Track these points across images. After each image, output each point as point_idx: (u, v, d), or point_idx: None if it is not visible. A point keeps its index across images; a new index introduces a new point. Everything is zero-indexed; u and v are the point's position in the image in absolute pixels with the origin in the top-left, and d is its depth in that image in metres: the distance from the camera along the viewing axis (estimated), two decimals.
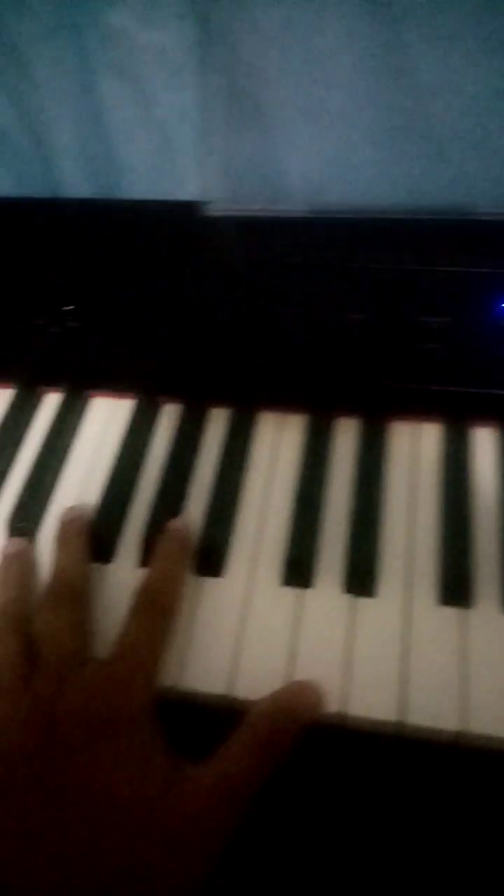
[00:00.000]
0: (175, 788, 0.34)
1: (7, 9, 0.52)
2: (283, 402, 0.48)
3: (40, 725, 0.35)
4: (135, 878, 0.32)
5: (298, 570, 0.40)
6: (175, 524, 0.43)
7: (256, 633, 0.39)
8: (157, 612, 0.39)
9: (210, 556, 0.42)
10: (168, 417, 0.49)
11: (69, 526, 0.44)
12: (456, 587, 0.39)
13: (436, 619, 0.39)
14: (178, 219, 0.55)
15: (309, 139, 0.53)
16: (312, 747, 0.36)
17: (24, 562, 0.43)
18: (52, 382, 0.51)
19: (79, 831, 0.33)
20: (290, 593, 0.40)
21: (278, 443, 0.47)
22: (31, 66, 0.55)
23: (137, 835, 0.33)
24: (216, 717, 0.38)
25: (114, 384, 0.50)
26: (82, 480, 0.47)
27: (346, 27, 0.48)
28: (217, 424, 0.48)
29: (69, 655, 0.37)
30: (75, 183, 0.61)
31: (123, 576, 0.42)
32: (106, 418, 0.50)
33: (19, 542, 0.44)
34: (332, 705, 0.36)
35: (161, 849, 0.33)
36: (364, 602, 0.40)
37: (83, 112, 0.56)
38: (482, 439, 0.46)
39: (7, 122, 0.59)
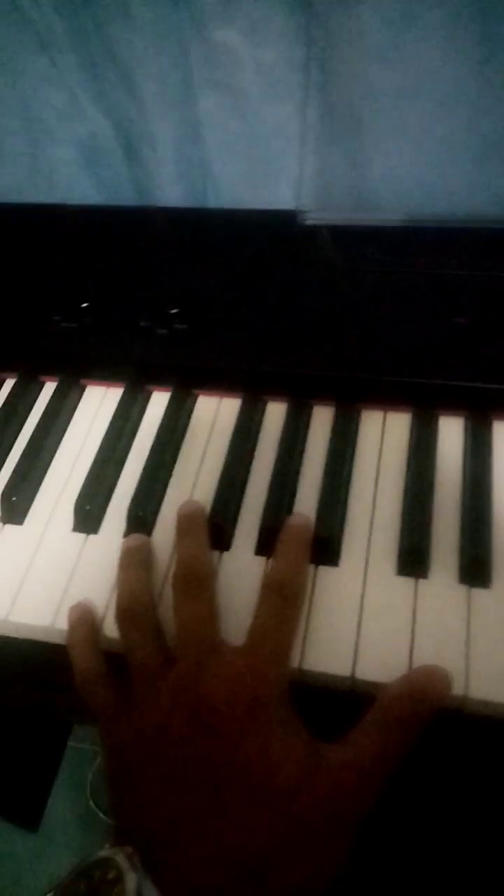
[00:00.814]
0: (315, 769, 0.35)
1: (116, 23, 0.55)
2: (386, 399, 0.50)
3: (185, 713, 0.37)
4: (278, 858, 0.34)
5: (414, 560, 0.42)
6: (294, 519, 0.44)
7: (374, 619, 0.41)
8: (285, 600, 0.40)
9: (325, 546, 0.43)
10: (274, 414, 0.51)
11: (189, 518, 0.46)
12: None
13: None
14: (276, 227, 0.57)
15: (405, 152, 0.55)
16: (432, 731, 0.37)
17: (145, 554, 0.45)
18: (159, 382, 0.54)
19: (228, 813, 0.34)
20: (406, 582, 0.42)
21: (384, 439, 0.49)
22: (136, 79, 0.58)
23: (282, 815, 0.34)
24: (333, 699, 0.40)
25: (219, 383, 0.52)
26: (195, 474, 0.49)
27: (447, 45, 0.50)
28: (322, 420, 0.50)
29: (205, 643, 0.39)
30: (171, 192, 0.64)
31: (241, 563, 0.44)
32: (213, 416, 0.52)
33: (139, 536, 0.46)
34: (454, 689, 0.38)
35: (304, 829, 0.34)
36: (477, 592, 0.41)
37: (183, 124, 0.59)
38: None
39: (106, 133, 0.62)
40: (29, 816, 1.11)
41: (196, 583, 0.42)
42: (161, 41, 0.55)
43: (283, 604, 0.40)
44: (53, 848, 1.13)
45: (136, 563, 0.44)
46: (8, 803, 1.09)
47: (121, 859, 0.33)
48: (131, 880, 0.32)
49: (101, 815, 1.11)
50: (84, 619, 0.43)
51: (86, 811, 1.13)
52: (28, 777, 1.13)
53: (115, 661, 0.41)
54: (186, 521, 0.45)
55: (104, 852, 0.34)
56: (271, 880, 0.33)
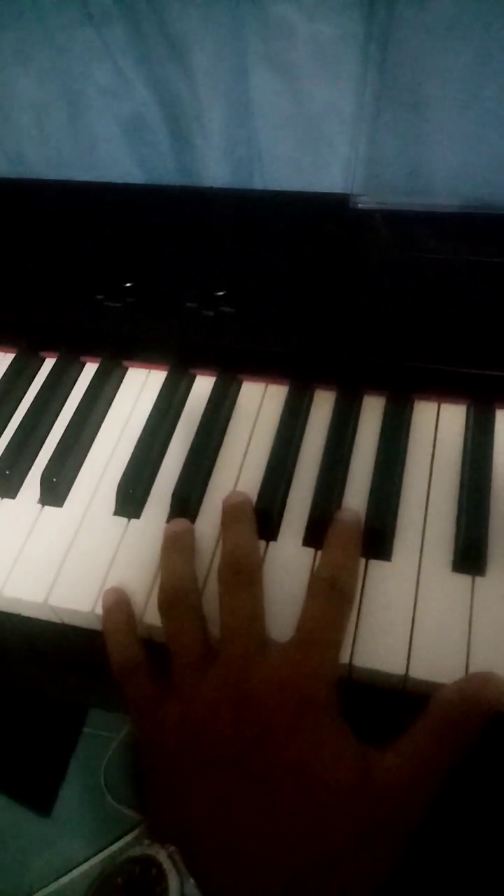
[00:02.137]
0: (366, 772, 0.34)
1: None
2: (440, 390, 0.48)
3: (230, 709, 0.35)
4: (323, 867, 0.32)
5: (471, 557, 0.40)
6: (344, 514, 0.43)
7: (429, 617, 0.39)
8: (336, 597, 0.39)
9: (378, 540, 0.42)
10: (322, 403, 0.50)
11: (235, 508, 0.44)
12: None
13: None
14: (327, 211, 0.56)
15: (465, 135, 0.53)
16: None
17: (188, 540, 0.44)
18: (204, 366, 0.52)
19: (271, 816, 0.33)
20: (462, 579, 0.40)
21: (438, 431, 0.47)
22: (187, 54, 0.56)
23: (331, 820, 0.33)
24: (379, 699, 0.39)
25: (266, 369, 0.51)
26: (240, 461, 0.48)
27: None
28: (372, 410, 0.49)
29: (252, 637, 0.38)
30: (216, 172, 0.62)
31: (288, 554, 0.43)
32: (259, 403, 0.50)
33: (183, 521, 0.44)
34: None
35: (350, 838, 0.33)
36: None
37: (234, 102, 0.58)
38: None
39: (152, 110, 0.60)
40: (42, 801, 1.11)
41: (244, 574, 0.40)
42: (215, 15, 0.53)
43: (334, 600, 0.39)
44: (65, 834, 1.12)
45: (179, 548, 0.43)
46: (21, 787, 1.08)
47: (162, 858, 0.32)
48: (174, 881, 0.31)
49: (114, 802, 1.10)
50: (121, 603, 0.41)
51: (99, 798, 1.12)
52: (42, 762, 1.13)
53: (153, 650, 0.40)
54: (234, 511, 0.44)
55: (145, 848, 0.33)
56: (320, 886, 0.32)
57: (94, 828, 1.13)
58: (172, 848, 0.33)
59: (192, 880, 0.31)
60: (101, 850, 1.04)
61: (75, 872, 1.06)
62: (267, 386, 0.51)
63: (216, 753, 0.35)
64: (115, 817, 1.11)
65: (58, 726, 1.16)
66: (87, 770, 1.15)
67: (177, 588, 0.41)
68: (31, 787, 1.11)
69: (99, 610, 0.42)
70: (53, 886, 1.04)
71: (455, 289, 0.50)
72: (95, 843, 1.07)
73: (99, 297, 0.53)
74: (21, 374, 0.55)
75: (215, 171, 0.63)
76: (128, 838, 1.01)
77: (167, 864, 0.32)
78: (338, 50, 0.52)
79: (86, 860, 1.07)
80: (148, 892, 0.32)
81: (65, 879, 1.05)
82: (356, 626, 0.39)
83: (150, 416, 0.50)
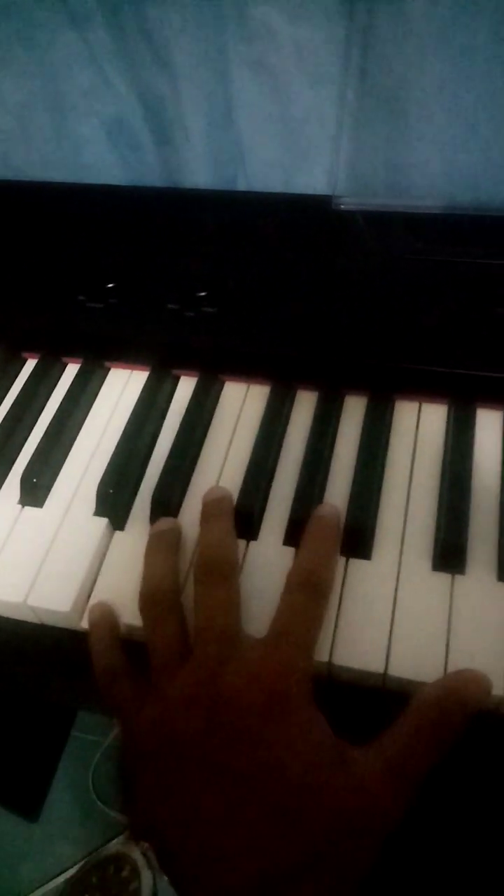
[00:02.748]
0: (340, 773, 0.34)
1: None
2: (421, 389, 0.48)
3: (203, 706, 0.35)
4: (299, 866, 0.32)
5: (451, 556, 0.41)
6: (324, 508, 0.43)
7: (408, 615, 0.39)
8: (312, 592, 0.39)
9: (358, 539, 0.42)
10: (304, 403, 0.50)
11: (214, 505, 0.44)
12: None
13: None
14: (309, 212, 0.56)
15: (446, 138, 0.54)
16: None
17: (174, 539, 0.43)
18: (186, 366, 0.52)
19: (245, 815, 0.33)
20: (442, 578, 0.40)
21: (419, 430, 0.47)
22: (170, 57, 0.56)
23: (305, 818, 0.33)
24: (359, 698, 0.39)
25: (248, 370, 0.51)
26: (222, 461, 0.48)
27: (496, 28, 0.49)
28: (354, 410, 0.49)
29: (225, 633, 0.38)
30: (200, 174, 0.62)
31: (269, 553, 0.43)
32: (241, 403, 0.51)
33: (169, 520, 0.44)
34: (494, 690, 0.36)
35: (326, 837, 0.32)
36: None
37: (216, 105, 0.58)
38: None
39: (136, 112, 0.60)
40: (30, 806, 1.11)
41: (219, 570, 0.40)
42: (197, 19, 0.54)
43: (309, 596, 0.39)
44: (53, 839, 1.12)
45: (163, 547, 0.43)
46: (9, 792, 1.08)
47: (136, 856, 0.32)
48: (147, 878, 0.31)
49: (102, 806, 1.10)
50: (105, 616, 0.42)
51: (87, 802, 1.12)
52: (30, 766, 1.12)
53: (138, 650, 0.40)
54: (212, 507, 0.44)
55: (119, 846, 0.33)
56: (295, 885, 0.32)
57: (82, 831, 1.13)
58: (147, 846, 0.32)
59: (164, 878, 0.31)
60: (89, 854, 1.04)
61: (64, 877, 1.06)
62: (249, 386, 0.52)
63: (190, 752, 0.35)
64: (103, 821, 1.10)
65: (46, 731, 1.16)
66: (75, 774, 1.15)
67: (157, 589, 0.41)
68: (20, 791, 1.10)
69: (78, 610, 0.42)
70: (42, 891, 1.04)
71: (435, 289, 0.50)
72: (84, 846, 1.07)
73: (81, 297, 0.53)
74: (2, 374, 0.55)
75: (199, 173, 0.63)
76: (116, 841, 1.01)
77: (141, 862, 0.32)
78: (319, 53, 0.53)
79: (74, 864, 1.07)
80: (122, 890, 0.31)
81: (53, 884, 1.04)
82: (335, 625, 0.39)
83: (131, 416, 0.50)
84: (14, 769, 1.08)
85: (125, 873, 0.32)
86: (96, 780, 1.13)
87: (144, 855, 0.32)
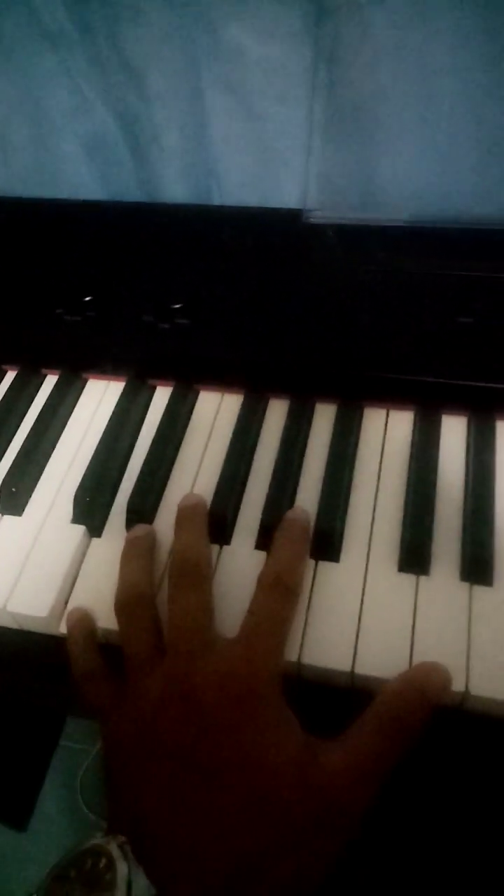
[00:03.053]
0: (310, 765, 0.35)
1: (125, 21, 0.55)
2: (389, 397, 0.50)
3: (175, 704, 0.36)
4: (269, 855, 0.33)
5: (416, 557, 0.42)
6: (294, 512, 0.44)
7: (375, 615, 0.41)
8: (282, 592, 0.40)
9: (326, 542, 0.43)
10: (276, 410, 0.51)
11: (188, 510, 0.45)
12: None
13: None
14: (281, 226, 0.58)
15: (411, 153, 0.56)
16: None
17: (149, 545, 0.45)
18: (161, 376, 0.54)
19: (217, 808, 0.34)
20: (407, 579, 0.42)
21: (386, 437, 0.49)
22: (144, 77, 0.58)
23: (273, 811, 0.34)
24: (331, 697, 0.40)
25: (221, 379, 0.53)
26: (196, 468, 0.49)
27: (455, 48, 0.50)
28: (324, 417, 0.50)
29: (199, 634, 0.39)
30: (176, 189, 0.64)
31: (241, 557, 0.44)
32: (215, 411, 0.52)
33: (144, 527, 0.46)
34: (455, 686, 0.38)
35: (295, 827, 0.34)
36: (479, 589, 0.41)
37: (190, 122, 0.60)
38: None
39: (112, 130, 0.62)
40: (17, 816, 1.11)
41: (192, 574, 0.42)
42: (170, 40, 0.55)
43: (279, 597, 0.40)
44: (42, 848, 1.12)
45: (138, 553, 0.44)
46: None
47: (112, 848, 0.33)
48: (122, 869, 0.32)
49: (91, 815, 1.10)
50: (82, 620, 0.43)
51: (76, 812, 1.12)
52: (17, 776, 1.13)
53: (114, 653, 0.41)
54: (186, 513, 0.45)
55: (96, 840, 0.34)
56: (262, 877, 0.33)
57: (70, 839, 1.13)
58: (123, 839, 0.34)
59: (139, 869, 0.32)
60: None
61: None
62: (223, 395, 0.53)
63: (163, 748, 0.36)
64: (91, 829, 1.10)
65: (33, 740, 1.16)
66: (63, 783, 1.15)
67: (131, 593, 0.42)
68: (7, 801, 1.10)
69: (56, 615, 0.43)
70: None
71: (402, 300, 0.52)
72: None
73: (59, 310, 0.55)
74: None
75: (175, 189, 0.64)
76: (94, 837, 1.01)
77: (116, 853, 0.33)
78: (287, 72, 0.54)
79: None
80: (98, 881, 0.32)
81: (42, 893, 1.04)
82: (305, 625, 0.41)
83: (107, 426, 0.51)
84: (1, 778, 1.09)
85: (101, 865, 0.33)
86: (84, 789, 1.13)
87: (120, 847, 0.33)
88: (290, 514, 0.44)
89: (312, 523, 0.44)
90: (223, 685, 0.36)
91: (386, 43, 0.51)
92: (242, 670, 0.37)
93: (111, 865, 0.32)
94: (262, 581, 0.41)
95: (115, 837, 0.33)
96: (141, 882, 0.32)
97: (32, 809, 1.12)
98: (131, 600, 0.42)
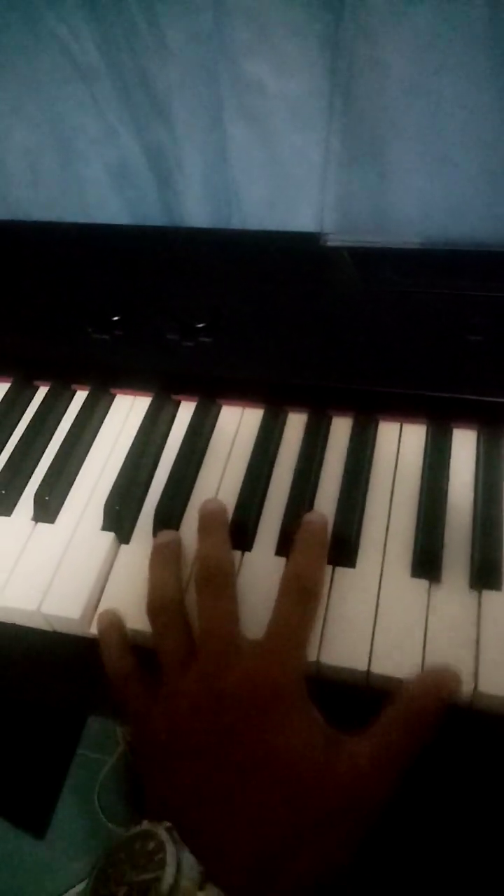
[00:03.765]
0: (334, 758, 0.37)
1: (152, 55, 0.58)
2: (402, 411, 0.52)
3: (209, 703, 0.39)
4: (295, 844, 0.35)
5: (428, 564, 0.44)
6: (312, 516, 0.47)
7: (389, 618, 0.43)
8: (303, 595, 0.42)
9: (343, 548, 0.46)
10: (294, 424, 0.54)
11: (211, 517, 0.48)
12: None
13: None
14: (298, 248, 0.61)
15: (422, 179, 0.58)
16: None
17: (175, 551, 0.47)
18: (186, 392, 0.56)
19: (249, 800, 0.36)
20: (420, 584, 0.44)
21: (400, 449, 0.51)
22: (169, 108, 0.61)
23: (299, 800, 0.36)
24: (347, 697, 0.42)
25: (243, 394, 0.55)
26: (219, 479, 0.52)
27: (464, 79, 0.53)
28: (341, 430, 0.53)
29: (227, 638, 0.41)
30: (197, 214, 0.67)
31: (262, 563, 0.47)
32: (237, 424, 0.55)
33: (170, 533, 0.48)
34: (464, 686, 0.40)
35: (319, 817, 0.36)
36: (488, 594, 0.43)
37: (212, 150, 0.63)
38: None
39: (137, 157, 0.65)
40: (36, 823, 1.12)
41: (217, 579, 0.44)
42: (194, 73, 0.59)
43: (300, 598, 0.42)
44: (59, 856, 1.13)
45: (166, 559, 0.46)
46: (15, 809, 1.09)
47: (160, 831, 0.35)
48: (171, 850, 0.34)
49: (108, 823, 1.12)
50: (113, 622, 0.45)
51: (93, 820, 1.13)
52: (36, 783, 1.14)
53: (145, 655, 0.43)
54: (208, 519, 0.47)
55: (144, 826, 0.36)
56: (288, 864, 0.35)
57: (88, 849, 1.14)
58: (168, 824, 0.36)
59: (186, 850, 0.34)
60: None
61: (70, 894, 1.07)
62: (244, 409, 0.56)
63: (197, 743, 0.38)
64: (109, 838, 1.12)
65: (52, 748, 1.17)
66: (80, 792, 1.17)
67: (162, 597, 0.44)
68: (25, 809, 1.12)
69: (87, 617, 0.46)
70: None
71: (415, 319, 0.55)
72: (90, 864, 1.08)
73: (88, 329, 0.58)
74: (16, 401, 0.59)
75: (196, 213, 0.67)
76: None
77: (164, 836, 0.35)
78: (305, 103, 0.57)
79: (80, 882, 1.08)
80: (149, 861, 0.34)
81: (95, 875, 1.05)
82: (323, 627, 0.43)
83: (135, 439, 0.54)
84: (20, 787, 1.10)
85: (151, 846, 0.35)
86: (102, 798, 1.14)
87: (168, 831, 0.35)
88: (308, 517, 0.46)
89: (330, 526, 0.46)
90: (252, 686, 0.39)
91: (398, 75, 0.54)
92: (269, 671, 0.39)
93: (161, 847, 0.34)
94: (283, 585, 0.43)
95: (162, 823, 0.35)
96: (188, 860, 0.34)
97: (50, 817, 1.13)
98: (163, 604, 0.44)
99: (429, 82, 0.54)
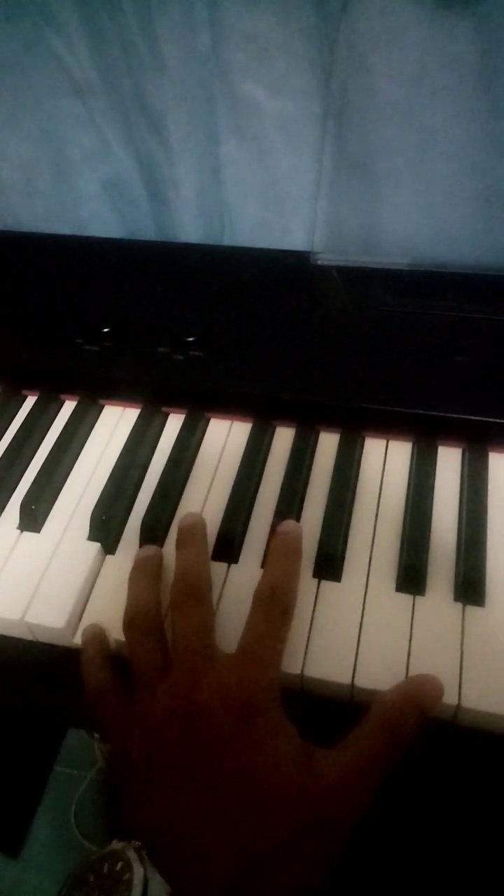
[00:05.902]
0: (307, 773, 0.37)
1: (148, 73, 0.59)
2: (389, 428, 0.53)
3: (180, 717, 0.38)
4: (271, 860, 0.35)
5: (413, 578, 0.45)
6: (284, 526, 0.46)
7: (374, 632, 0.43)
8: (276, 608, 0.42)
9: (328, 563, 0.46)
10: (282, 438, 0.54)
11: (189, 530, 0.47)
12: None
13: None
14: (290, 266, 0.61)
15: (413, 201, 0.59)
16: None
17: (156, 565, 0.47)
18: (175, 404, 0.57)
19: (222, 816, 0.36)
20: (405, 598, 0.44)
21: (386, 465, 0.52)
22: (164, 125, 0.62)
23: (274, 817, 0.35)
24: (328, 706, 0.42)
25: (231, 408, 0.56)
26: (206, 491, 0.52)
27: (454, 104, 0.54)
28: (328, 446, 0.53)
29: (201, 651, 0.41)
30: (190, 230, 0.68)
31: (248, 575, 0.47)
32: (224, 438, 0.55)
33: (152, 548, 0.48)
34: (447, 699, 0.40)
35: (294, 832, 0.35)
36: (472, 609, 0.44)
37: (205, 168, 0.64)
38: None
39: (132, 173, 0.66)
40: (10, 842, 1.10)
41: (194, 593, 0.43)
42: (190, 91, 0.60)
43: (273, 611, 0.42)
44: (35, 875, 1.11)
45: (146, 573, 0.46)
46: None
47: (129, 852, 0.35)
48: (139, 871, 0.34)
49: (84, 842, 1.10)
50: (95, 637, 0.45)
51: (69, 838, 1.11)
52: (10, 801, 1.12)
53: (126, 664, 0.43)
54: (186, 533, 0.47)
55: (113, 846, 0.36)
56: (267, 878, 0.35)
57: (64, 868, 1.12)
58: (138, 843, 0.35)
59: (155, 872, 0.34)
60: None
61: None
62: (232, 423, 0.56)
63: (170, 759, 0.38)
64: (85, 856, 1.10)
65: (27, 765, 1.16)
66: (57, 809, 1.15)
67: (138, 612, 0.44)
68: (0, 826, 1.10)
69: (71, 626, 0.46)
70: None
71: (402, 338, 0.55)
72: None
73: (79, 340, 0.58)
74: (4, 409, 0.59)
75: (189, 229, 0.68)
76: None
77: (132, 856, 0.34)
78: (298, 124, 0.58)
79: None
80: (116, 883, 0.34)
81: None
82: (308, 640, 0.43)
83: (123, 450, 0.54)
84: None
85: (118, 868, 0.35)
86: (79, 815, 1.13)
87: (136, 851, 0.35)
88: (280, 526, 0.46)
89: (315, 540, 0.46)
90: (223, 699, 0.38)
91: (390, 99, 0.55)
92: (241, 685, 0.39)
93: (128, 867, 0.34)
94: (256, 597, 0.43)
95: (132, 843, 0.35)
96: (157, 882, 0.33)
97: (25, 835, 1.11)
98: (138, 619, 0.44)
99: (420, 107, 0.55)
